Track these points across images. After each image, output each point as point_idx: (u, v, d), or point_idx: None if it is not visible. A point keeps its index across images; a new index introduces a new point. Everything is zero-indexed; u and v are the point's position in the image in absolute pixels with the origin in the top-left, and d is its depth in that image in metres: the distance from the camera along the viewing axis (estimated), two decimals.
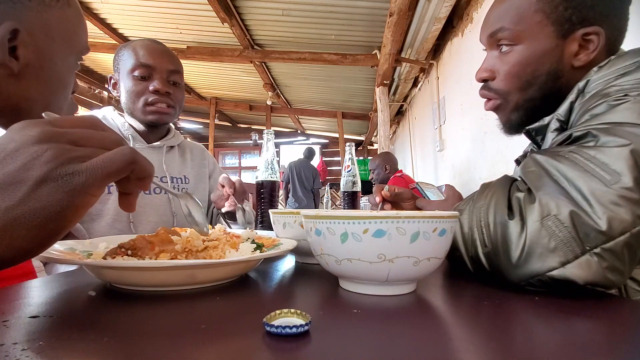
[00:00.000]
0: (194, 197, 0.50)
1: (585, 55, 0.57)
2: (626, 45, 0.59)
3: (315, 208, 3.91)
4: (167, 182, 1.02)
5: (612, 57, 0.54)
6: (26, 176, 0.28)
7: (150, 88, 0.95)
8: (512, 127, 0.65)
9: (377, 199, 0.76)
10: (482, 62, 0.67)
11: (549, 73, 0.59)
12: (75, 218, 0.30)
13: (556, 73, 0.58)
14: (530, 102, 0.61)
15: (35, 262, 0.65)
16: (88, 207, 0.31)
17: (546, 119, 0.57)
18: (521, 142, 0.76)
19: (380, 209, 0.78)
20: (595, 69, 0.54)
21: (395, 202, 0.78)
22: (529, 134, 0.61)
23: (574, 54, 0.57)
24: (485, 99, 0.67)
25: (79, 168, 0.29)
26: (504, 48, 0.61)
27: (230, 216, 1.04)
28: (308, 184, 5.12)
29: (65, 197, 0.28)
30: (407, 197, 0.78)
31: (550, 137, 0.56)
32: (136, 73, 0.95)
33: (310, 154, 5.50)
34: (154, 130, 1.04)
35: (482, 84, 0.66)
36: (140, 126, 1.02)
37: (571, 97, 0.54)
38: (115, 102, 5.64)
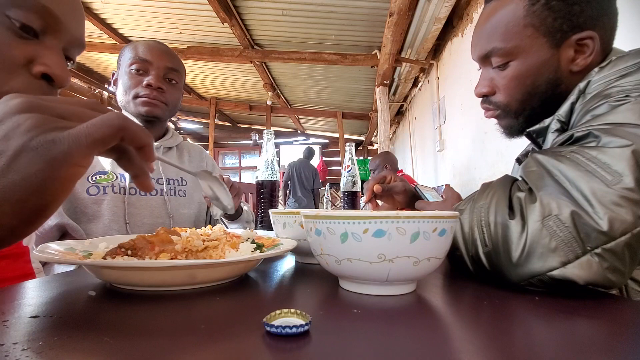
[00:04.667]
0: (213, 174, 0.47)
1: (582, 59, 0.56)
2: (622, 45, 0.59)
3: (316, 208, 3.91)
4: (163, 184, 1.01)
5: (614, 57, 0.53)
6: (5, 147, 0.26)
7: (144, 82, 0.96)
8: (512, 132, 0.66)
9: (365, 199, 0.76)
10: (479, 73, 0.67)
11: (548, 82, 0.58)
12: (60, 193, 0.28)
13: (555, 81, 0.58)
14: (531, 110, 0.61)
15: (35, 263, 0.65)
16: (75, 179, 0.28)
17: (547, 121, 0.57)
18: (521, 143, 0.76)
19: (369, 207, 0.78)
20: (596, 69, 0.53)
21: (388, 196, 0.78)
22: (529, 136, 0.61)
23: (571, 60, 0.57)
24: (485, 110, 0.67)
25: (60, 136, 0.27)
26: (499, 64, 0.61)
27: (227, 215, 1.04)
28: (308, 184, 5.12)
29: (46, 167, 0.26)
30: (399, 190, 0.78)
31: (551, 138, 0.56)
32: (133, 67, 0.96)
33: (310, 153, 5.50)
34: (150, 127, 1.03)
35: (482, 98, 0.66)
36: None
37: (572, 97, 0.54)
38: (115, 102, 5.65)
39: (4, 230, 0.27)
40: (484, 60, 0.63)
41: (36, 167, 0.26)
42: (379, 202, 0.82)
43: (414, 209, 0.80)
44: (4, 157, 0.26)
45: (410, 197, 0.80)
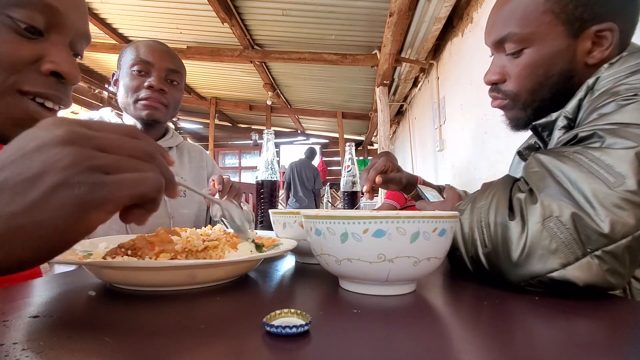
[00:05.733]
0: (234, 202, 0.47)
1: (599, 52, 0.55)
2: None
3: (316, 208, 3.91)
4: None
5: (624, 53, 0.52)
6: (40, 181, 0.24)
7: (146, 84, 0.95)
8: (518, 125, 0.64)
9: (366, 188, 0.76)
10: (482, 61, 0.66)
11: (561, 73, 0.56)
12: (82, 235, 0.27)
13: (569, 72, 0.56)
14: (540, 102, 0.59)
15: None
16: (98, 224, 0.27)
17: (553, 115, 0.56)
18: (521, 142, 0.76)
19: (367, 195, 0.78)
20: (606, 65, 0.52)
21: (386, 184, 0.80)
22: (535, 130, 0.60)
23: (587, 52, 0.55)
24: (493, 99, 0.65)
25: (102, 179, 0.25)
26: (513, 51, 0.59)
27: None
28: (309, 184, 5.12)
29: (76, 210, 0.25)
30: (397, 181, 0.80)
31: (557, 135, 0.55)
32: (134, 68, 0.96)
33: (311, 154, 5.50)
34: (150, 129, 1.03)
35: (491, 86, 0.64)
36: (137, 125, 1.02)
37: (580, 94, 0.53)
38: (115, 102, 5.64)
39: (16, 263, 0.25)
40: (498, 46, 0.61)
41: (67, 208, 0.25)
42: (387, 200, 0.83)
43: (404, 189, 0.81)
44: (36, 192, 0.24)
45: (406, 186, 0.82)
